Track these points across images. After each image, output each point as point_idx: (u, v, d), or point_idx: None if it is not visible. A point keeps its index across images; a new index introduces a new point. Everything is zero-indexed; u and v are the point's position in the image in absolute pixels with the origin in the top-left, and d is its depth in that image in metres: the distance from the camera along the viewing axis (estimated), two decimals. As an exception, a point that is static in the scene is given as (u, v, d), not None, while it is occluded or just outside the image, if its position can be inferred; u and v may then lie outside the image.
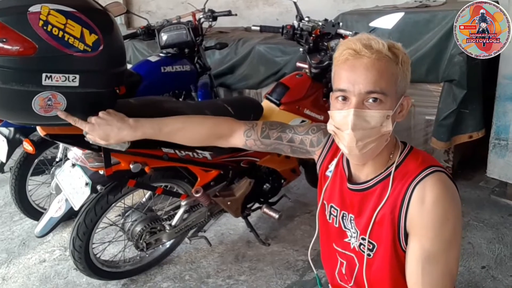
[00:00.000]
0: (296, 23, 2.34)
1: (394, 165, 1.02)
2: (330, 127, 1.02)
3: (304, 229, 2.48)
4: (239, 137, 1.35)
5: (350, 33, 2.20)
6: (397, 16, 2.02)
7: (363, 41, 0.94)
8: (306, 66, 2.42)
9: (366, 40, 0.94)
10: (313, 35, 2.30)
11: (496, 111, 2.47)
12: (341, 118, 0.97)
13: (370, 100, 0.94)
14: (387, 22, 2.06)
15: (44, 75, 1.24)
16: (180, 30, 2.91)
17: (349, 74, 0.94)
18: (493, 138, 2.51)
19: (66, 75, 1.28)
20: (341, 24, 2.28)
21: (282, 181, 2.37)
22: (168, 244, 2.21)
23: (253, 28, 2.43)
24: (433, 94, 2.70)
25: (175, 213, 2.07)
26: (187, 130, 1.39)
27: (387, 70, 0.93)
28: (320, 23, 2.32)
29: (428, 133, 2.80)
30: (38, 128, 1.53)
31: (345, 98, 0.96)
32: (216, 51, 3.65)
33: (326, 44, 2.31)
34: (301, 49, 2.39)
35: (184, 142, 1.42)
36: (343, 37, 2.25)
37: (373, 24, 2.11)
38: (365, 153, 0.98)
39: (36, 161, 2.54)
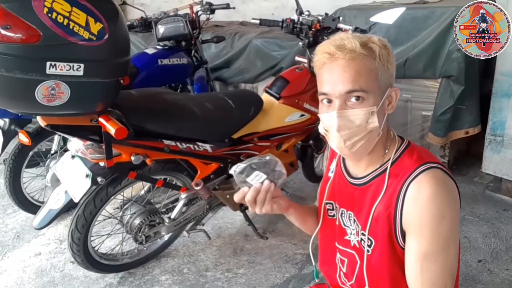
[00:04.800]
0: (296, 17, 2.34)
1: (390, 161, 1.02)
2: (321, 129, 1.04)
3: (302, 223, 2.48)
4: None
5: (350, 27, 2.20)
6: (398, 11, 2.02)
7: (336, 42, 0.94)
8: (305, 60, 2.42)
9: (339, 41, 0.94)
10: (313, 29, 2.30)
11: (493, 107, 2.49)
12: (327, 121, 0.99)
13: (353, 100, 0.94)
14: (388, 17, 2.06)
15: (48, 63, 1.23)
16: (177, 22, 2.89)
17: (328, 77, 0.96)
18: (489, 134, 2.54)
19: (71, 64, 1.26)
20: (341, 18, 2.28)
21: (280, 175, 2.37)
22: (166, 237, 2.19)
23: (252, 21, 2.42)
24: (430, 90, 2.72)
25: (174, 206, 2.06)
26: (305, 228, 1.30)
27: (364, 68, 0.94)
28: (320, 17, 2.32)
29: (425, 128, 2.82)
30: (38, 118, 1.51)
31: (329, 101, 0.98)
32: (212, 45, 3.63)
33: (326, 38, 2.30)
34: (300, 43, 2.39)
35: None
36: (343, 31, 2.26)
37: (373, 19, 2.11)
38: (356, 151, 0.99)
39: (31, 153, 2.51)
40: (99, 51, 1.30)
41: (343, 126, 0.95)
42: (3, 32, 1.17)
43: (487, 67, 2.67)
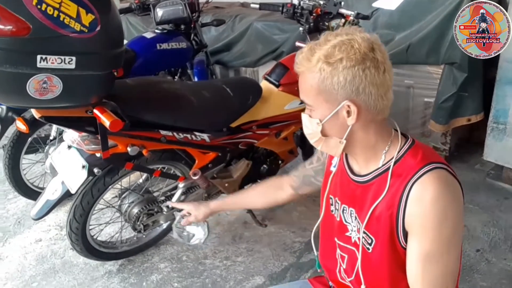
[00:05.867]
0: (296, 1, 2.29)
1: (393, 160, 1.00)
2: None
3: (301, 211, 2.48)
4: (290, 194, 1.46)
5: (352, 13, 2.15)
6: (401, -3, 1.97)
7: (304, 50, 0.97)
8: (305, 46, 2.37)
9: (308, 52, 0.96)
10: (314, 14, 2.24)
11: (496, 95, 2.45)
12: None
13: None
14: (391, 2, 2.01)
15: (39, 57, 1.20)
16: (176, 5, 2.83)
17: None
18: (492, 121, 2.50)
19: (62, 57, 1.24)
20: (342, 3, 2.22)
21: (280, 162, 2.36)
22: (165, 225, 2.20)
23: (252, 5, 2.37)
24: (433, 77, 2.67)
25: (172, 195, 2.06)
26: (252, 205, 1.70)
27: (306, 84, 0.97)
28: (321, 2, 2.27)
29: (427, 115, 2.79)
30: (32, 110, 1.49)
31: None
32: (212, 28, 3.57)
33: (327, 24, 2.27)
34: (301, 29, 2.34)
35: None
36: (344, 16, 2.20)
37: (376, 4, 2.07)
38: (326, 151, 1.07)
39: (29, 139, 2.50)
40: (91, 43, 1.27)
41: (304, 127, 1.05)
42: (-8, 25, 1.14)
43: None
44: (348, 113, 0.96)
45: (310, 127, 1.01)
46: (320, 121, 0.98)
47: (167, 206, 2.02)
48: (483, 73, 2.57)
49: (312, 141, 1.04)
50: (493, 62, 2.44)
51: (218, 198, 2.08)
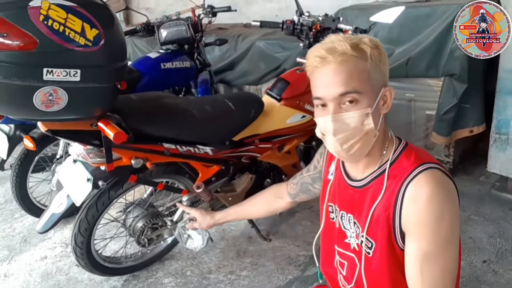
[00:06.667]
0: (296, 18, 2.34)
1: (389, 162, 1.02)
2: (317, 133, 1.04)
3: (305, 225, 2.48)
4: (288, 202, 1.50)
5: (351, 27, 2.19)
6: (398, 10, 2.01)
7: (327, 45, 0.95)
8: (306, 61, 2.41)
9: (330, 44, 0.95)
10: (314, 30, 2.29)
11: (497, 105, 2.46)
12: (323, 125, 0.99)
13: (347, 102, 0.95)
14: (388, 16, 2.05)
15: (45, 70, 1.24)
16: (179, 26, 2.90)
17: (321, 81, 0.96)
18: (494, 132, 2.51)
19: (67, 70, 1.28)
20: (341, 19, 2.27)
21: (283, 176, 2.37)
22: (169, 240, 2.21)
23: (253, 23, 2.42)
24: (433, 89, 2.69)
25: (177, 209, 2.07)
26: (253, 215, 1.73)
27: (355, 69, 0.94)
28: (321, 18, 2.32)
29: (429, 128, 2.80)
30: (39, 123, 1.53)
31: (324, 105, 0.98)
32: (215, 47, 3.65)
33: (326, 39, 2.31)
34: (301, 44, 2.39)
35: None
36: (343, 31, 2.25)
37: (373, 18, 2.10)
38: (353, 154, 0.99)
39: (36, 158, 2.54)
40: (95, 56, 1.31)
41: (339, 129, 0.96)
42: (1, 40, 1.19)
43: (493, 64, 2.63)
44: (384, 100, 1.00)
45: (355, 122, 0.95)
46: (370, 109, 0.95)
47: (171, 220, 2.03)
48: (483, 84, 2.59)
49: (351, 141, 0.97)
50: (493, 73, 2.46)
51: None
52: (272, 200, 1.52)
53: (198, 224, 1.64)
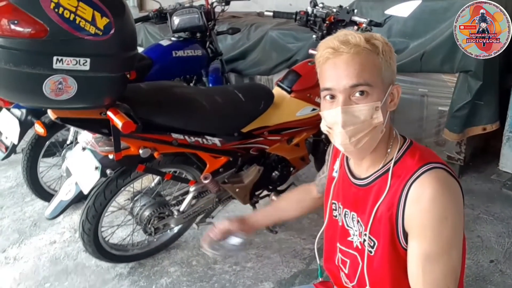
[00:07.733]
0: (310, 9, 2.30)
1: (393, 161, 1.00)
2: (323, 127, 1.02)
3: (312, 218, 2.47)
4: (319, 197, 1.43)
5: (365, 20, 2.15)
6: (414, 4, 1.96)
7: (340, 37, 0.94)
8: (317, 52, 2.38)
9: (343, 37, 0.94)
10: (327, 22, 2.25)
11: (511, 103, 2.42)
12: (331, 118, 0.97)
13: (357, 94, 0.93)
14: (404, 9, 2.01)
15: (55, 58, 1.24)
16: (192, 14, 2.88)
17: (332, 72, 0.94)
18: (507, 131, 2.47)
19: (77, 59, 1.28)
20: (355, 11, 2.23)
21: (291, 169, 2.36)
22: (176, 229, 2.22)
23: (266, 13, 2.39)
24: (447, 85, 2.65)
25: (184, 199, 2.08)
26: (288, 216, 1.52)
27: (368, 62, 0.93)
28: (335, 10, 2.28)
29: (441, 124, 2.76)
30: (49, 111, 1.54)
31: (332, 97, 0.96)
32: (228, 36, 3.62)
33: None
34: (314, 36, 2.35)
35: None
36: (357, 24, 2.21)
37: (388, 11, 2.06)
38: (360, 148, 0.98)
39: (47, 143, 2.56)
40: (105, 45, 1.30)
41: (349, 121, 0.94)
42: (12, 27, 1.19)
43: (509, 62, 2.58)
44: (391, 97, 0.99)
45: (364, 115, 0.94)
46: (380, 102, 0.95)
47: (178, 210, 2.04)
48: (499, 82, 2.54)
49: (359, 134, 0.96)
50: (509, 70, 2.41)
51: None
52: (304, 196, 1.48)
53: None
